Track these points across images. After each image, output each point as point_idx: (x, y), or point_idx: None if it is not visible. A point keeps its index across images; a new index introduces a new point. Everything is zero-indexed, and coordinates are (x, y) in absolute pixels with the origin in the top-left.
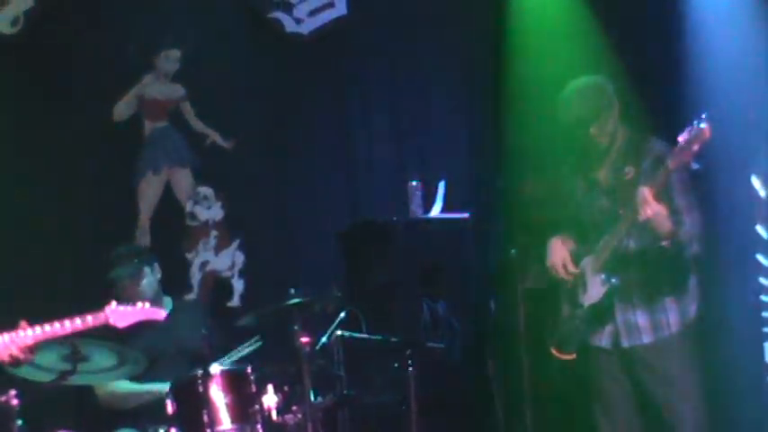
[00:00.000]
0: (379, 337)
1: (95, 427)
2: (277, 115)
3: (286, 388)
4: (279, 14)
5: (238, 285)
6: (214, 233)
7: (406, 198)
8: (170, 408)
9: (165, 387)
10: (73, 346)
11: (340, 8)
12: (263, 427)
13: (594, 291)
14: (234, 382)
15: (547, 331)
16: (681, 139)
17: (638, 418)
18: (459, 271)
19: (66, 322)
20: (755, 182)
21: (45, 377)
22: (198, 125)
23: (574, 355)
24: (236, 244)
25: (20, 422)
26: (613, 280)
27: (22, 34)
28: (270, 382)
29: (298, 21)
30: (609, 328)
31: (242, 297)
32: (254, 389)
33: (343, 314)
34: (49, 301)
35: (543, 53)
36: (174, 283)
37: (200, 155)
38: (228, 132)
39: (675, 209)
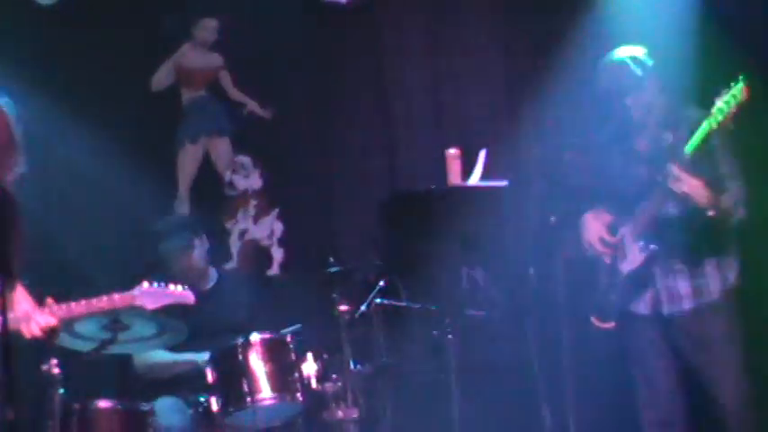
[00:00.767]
0: (419, 306)
1: (136, 396)
2: (315, 84)
3: (326, 356)
4: None
5: (277, 254)
6: (253, 202)
7: (445, 166)
8: (210, 376)
9: (201, 357)
10: (113, 314)
11: None
12: (302, 395)
13: (634, 257)
14: (273, 350)
15: (587, 300)
16: (718, 101)
17: (679, 386)
18: (499, 239)
19: (93, 301)
20: None
21: (86, 346)
22: (236, 94)
23: (613, 324)
24: (275, 213)
25: (62, 391)
26: (652, 246)
27: (60, 5)
28: (309, 351)
29: None
30: (649, 295)
31: (281, 266)
32: (293, 357)
33: (382, 282)
34: (91, 274)
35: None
36: (213, 253)
37: (239, 124)
38: (266, 101)
39: (719, 175)
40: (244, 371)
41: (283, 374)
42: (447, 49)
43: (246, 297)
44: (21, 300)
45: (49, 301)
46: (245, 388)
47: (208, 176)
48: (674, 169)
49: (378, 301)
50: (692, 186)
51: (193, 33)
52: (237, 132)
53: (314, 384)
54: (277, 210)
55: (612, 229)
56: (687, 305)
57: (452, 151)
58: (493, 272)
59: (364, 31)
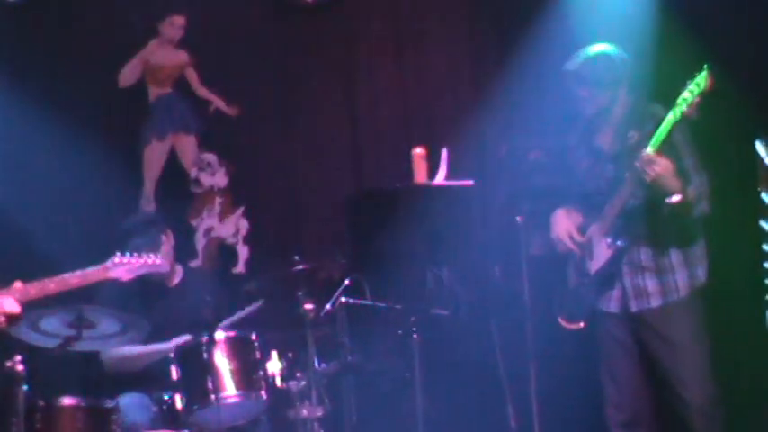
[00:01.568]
0: (384, 304)
1: (101, 393)
2: (281, 82)
3: (290, 354)
4: None
5: (243, 252)
6: (218, 200)
7: (411, 165)
8: (174, 374)
9: (168, 346)
10: (78, 311)
11: None
12: (267, 393)
13: (601, 255)
14: (238, 348)
15: (554, 302)
16: (683, 92)
17: (646, 386)
18: (464, 238)
19: (66, 276)
20: (760, 148)
21: (50, 343)
22: (202, 91)
23: (582, 325)
24: (240, 211)
25: (25, 387)
26: (619, 242)
27: (27, 1)
28: (274, 349)
29: None
30: (617, 293)
31: (246, 264)
32: (258, 355)
33: (347, 281)
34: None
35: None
36: (179, 250)
37: (205, 121)
38: (233, 99)
39: (683, 168)
40: (208, 368)
41: (248, 372)
42: (414, 48)
43: (212, 295)
44: None
45: (18, 284)
46: (210, 385)
47: (174, 174)
48: (647, 152)
49: (343, 299)
50: (664, 167)
51: (160, 30)
52: (204, 130)
53: (278, 383)
54: (242, 208)
55: (582, 230)
56: (655, 303)
57: (418, 150)
58: (458, 271)
59: (331, 30)
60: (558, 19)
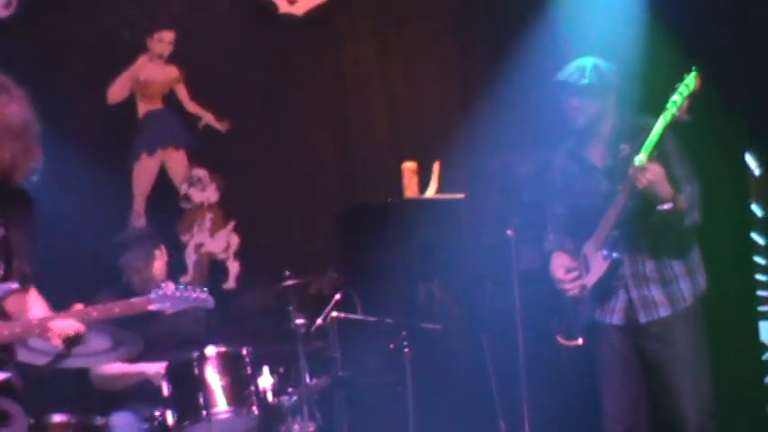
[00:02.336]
0: (375, 319)
1: (92, 410)
2: (271, 96)
3: (282, 369)
4: None
5: (233, 267)
6: (209, 215)
7: (402, 179)
8: (165, 390)
9: (154, 367)
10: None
11: None
12: (258, 408)
13: (597, 267)
14: (229, 363)
15: (551, 321)
16: (673, 96)
17: (642, 396)
18: (455, 252)
19: (109, 305)
20: (750, 160)
21: (40, 360)
22: (192, 107)
23: (580, 341)
24: (231, 226)
25: None
26: (615, 254)
27: (15, 16)
28: (265, 364)
29: (292, 1)
30: (620, 305)
31: (237, 279)
32: (249, 371)
33: (338, 295)
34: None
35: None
36: (169, 266)
37: (195, 137)
38: (223, 114)
39: (674, 177)
40: (199, 384)
41: (239, 388)
42: (403, 62)
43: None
44: (34, 304)
45: (78, 306)
46: (201, 401)
47: (164, 189)
48: (640, 157)
49: (334, 314)
50: (656, 173)
51: (149, 46)
52: (194, 145)
53: (270, 398)
54: (233, 223)
55: (575, 253)
56: (664, 312)
57: (409, 164)
58: (449, 285)
59: (320, 44)
60: (547, 33)
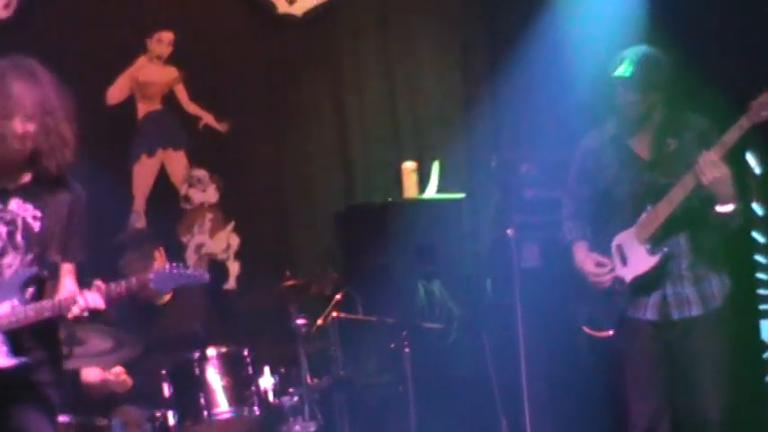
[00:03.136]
0: (376, 318)
1: (93, 411)
2: (271, 97)
3: (282, 370)
4: None
5: (234, 268)
6: (209, 216)
7: (401, 179)
8: (167, 390)
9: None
10: (69, 329)
11: None
12: (259, 408)
13: (640, 262)
14: (230, 364)
15: (577, 311)
16: (756, 101)
17: (667, 393)
18: (455, 251)
19: (112, 285)
20: (750, 159)
21: None
22: (192, 107)
23: (611, 333)
24: (230, 226)
25: None
26: (666, 248)
27: (14, 17)
28: (266, 364)
29: (291, 1)
30: (653, 301)
31: (238, 280)
32: (250, 371)
33: (339, 296)
34: None
35: None
36: None
37: (195, 137)
38: (222, 114)
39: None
40: (200, 384)
41: (240, 388)
42: (403, 62)
43: (203, 311)
44: (66, 282)
45: (98, 283)
46: (202, 402)
47: (164, 190)
48: (711, 154)
49: (334, 314)
50: (724, 173)
51: (149, 47)
52: (193, 146)
53: (271, 398)
54: (233, 223)
55: (602, 244)
56: (696, 311)
57: (409, 164)
58: (449, 284)
59: (320, 44)
60: (547, 33)
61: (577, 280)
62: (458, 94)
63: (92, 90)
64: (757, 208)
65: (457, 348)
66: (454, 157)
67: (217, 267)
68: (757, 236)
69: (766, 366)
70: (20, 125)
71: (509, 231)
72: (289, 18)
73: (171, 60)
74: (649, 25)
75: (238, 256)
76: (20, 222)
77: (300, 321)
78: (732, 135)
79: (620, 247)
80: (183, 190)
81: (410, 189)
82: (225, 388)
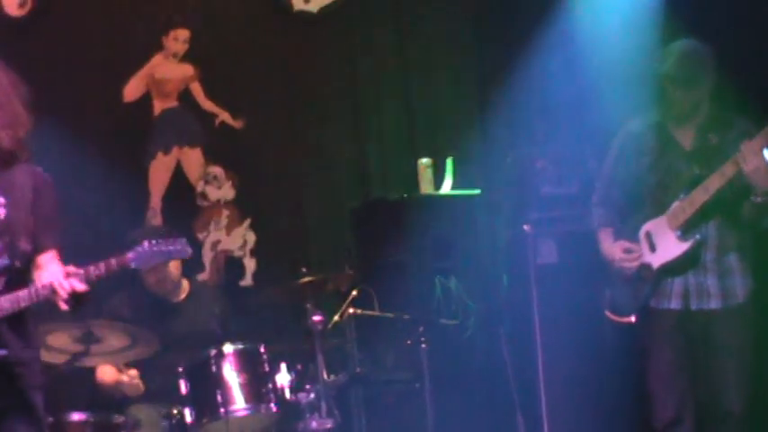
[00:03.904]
0: (392, 315)
1: (109, 408)
2: (287, 94)
3: (299, 366)
4: None
5: (250, 264)
6: (225, 213)
7: (417, 175)
8: (183, 388)
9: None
10: (86, 327)
11: None
12: (276, 405)
13: (669, 249)
14: (247, 361)
15: (600, 296)
16: None
17: (690, 384)
18: (472, 247)
19: (91, 268)
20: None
21: (58, 359)
22: (208, 105)
23: (633, 319)
24: (247, 223)
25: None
26: (698, 236)
27: (31, 16)
28: (283, 361)
29: None
30: (677, 289)
31: (254, 276)
32: (267, 368)
33: (355, 292)
34: None
35: None
36: (185, 264)
37: (211, 135)
38: (238, 111)
39: None
40: (217, 382)
41: (257, 385)
42: (419, 57)
43: (219, 308)
44: (49, 264)
45: (69, 268)
46: (219, 399)
47: (180, 187)
48: (754, 143)
49: (351, 310)
50: (765, 163)
51: (165, 44)
52: (209, 143)
53: (288, 395)
54: (249, 220)
55: (627, 232)
56: (715, 304)
57: (424, 160)
58: (466, 280)
59: (335, 41)
60: (562, 28)
61: (602, 266)
62: (473, 91)
63: (108, 87)
64: None
65: (473, 344)
66: (470, 154)
67: (233, 264)
68: None
69: None
70: None
71: (526, 227)
72: (304, 15)
73: (187, 58)
74: (665, 19)
75: (254, 252)
76: None
77: (317, 318)
78: None
79: (648, 234)
80: (200, 187)
81: (426, 185)
82: (241, 385)
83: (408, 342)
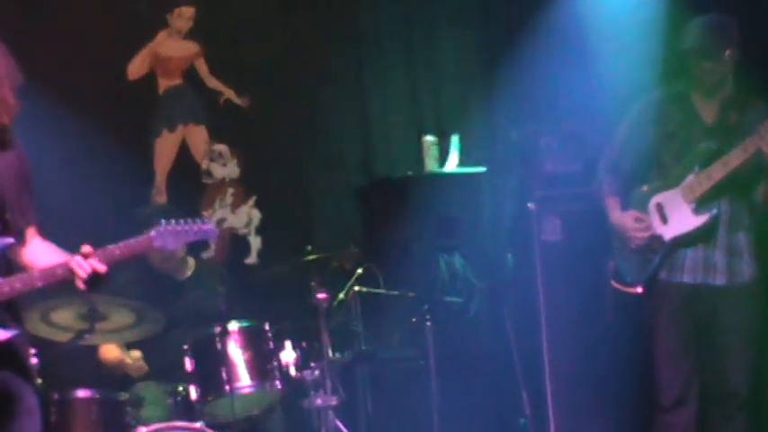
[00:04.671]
0: (397, 293)
1: (114, 385)
2: (291, 72)
3: (304, 344)
4: None
5: (255, 242)
6: (230, 191)
7: (422, 153)
8: (189, 365)
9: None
10: (91, 304)
11: None
12: (281, 383)
13: (683, 222)
14: (252, 338)
15: (607, 264)
16: None
17: (695, 361)
18: (476, 225)
19: (110, 248)
20: None
21: (63, 336)
22: (212, 82)
23: (640, 290)
24: (252, 201)
25: (39, 381)
26: (715, 210)
27: None
28: (288, 339)
29: None
30: (689, 263)
31: (259, 254)
32: (271, 345)
33: (360, 270)
34: None
35: None
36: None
37: (215, 112)
38: (243, 89)
39: None
40: (222, 359)
41: (262, 362)
42: (424, 35)
43: (224, 286)
44: (46, 252)
45: (86, 248)
46: (224, 376)
47: (185, 165)
48: None
49: (356, 288)
50: None
51: (169, 22)
52: (214, 121)
53: (293, 372)
54: (254, 198)
55: (640, 200)
56: (720, 281)
57: (429, 138)
58: (471, 258)
59: (340, 18)
60: (568, 6)
61: (607, 241)
62: (478, 67)
63: (113, 65)
64: None
65: (478, 322)
66: (475, 131)
67: (238, 242)
68: None
69: None
70: None
71: (530, 205)
72: None
73: (191, 35)
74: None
75: (260, 230)
76: None
77: (322, 296)
78: None
79: (660, 206)
80: (205, 165)
81: (431, 163)
82: (246, 362)
83: (413, 320)
